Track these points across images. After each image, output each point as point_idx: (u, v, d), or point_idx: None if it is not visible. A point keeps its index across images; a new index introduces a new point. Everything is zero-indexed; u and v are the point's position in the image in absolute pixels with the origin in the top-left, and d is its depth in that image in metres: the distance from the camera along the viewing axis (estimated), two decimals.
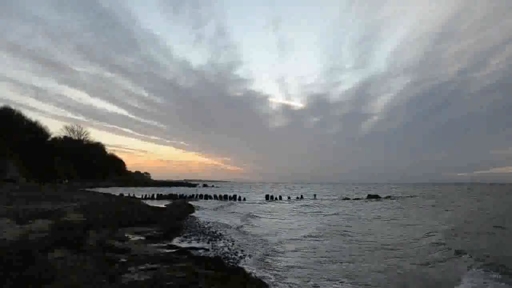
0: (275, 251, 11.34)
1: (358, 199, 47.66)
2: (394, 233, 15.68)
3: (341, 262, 9.87)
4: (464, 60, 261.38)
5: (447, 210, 29.15)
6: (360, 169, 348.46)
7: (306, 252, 11.36)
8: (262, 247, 12.00)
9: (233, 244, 12.05)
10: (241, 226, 17.58)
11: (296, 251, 11.51)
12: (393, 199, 47.87)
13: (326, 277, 8.28)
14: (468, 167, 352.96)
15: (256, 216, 23.23)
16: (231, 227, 17.15)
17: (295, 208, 31.42)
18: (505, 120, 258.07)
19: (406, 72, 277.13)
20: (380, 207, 33.04)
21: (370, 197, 52.04)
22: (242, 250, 11.04)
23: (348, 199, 47.20)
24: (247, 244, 12.31)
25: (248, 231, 15.98)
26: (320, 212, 27.33)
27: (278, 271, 8.74)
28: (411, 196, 54.63)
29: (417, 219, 22.24)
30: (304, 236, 14.61)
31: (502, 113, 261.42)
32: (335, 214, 25.62)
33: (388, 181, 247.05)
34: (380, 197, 50.60)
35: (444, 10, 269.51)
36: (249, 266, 8.98)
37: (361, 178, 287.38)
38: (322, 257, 10.53)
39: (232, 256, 10.02)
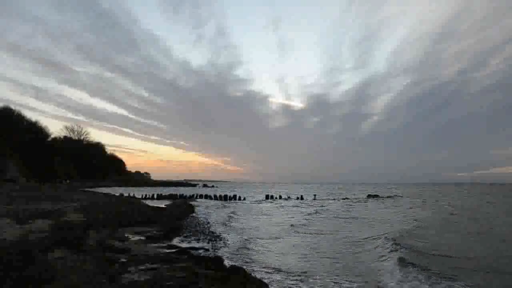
0: (264, 247, 11.56)
1: (357, 199, 47.69)
2: (359, 231, 16.45)
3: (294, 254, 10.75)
4: (464, 60, 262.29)
5: (422, 210, 29.31)
6: (360, 169, 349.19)
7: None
8: (255, 244, 12.22)
9: (233, 243, 12.08)
10: (242, 227, 17.60)
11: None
12: (380, 199, 47.77)
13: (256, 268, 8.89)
14: (468, 167, 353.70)
15: (256, 216, 23.29)
16: (229, 227, 17.20)
17: (294, 208, 31.42)
18: (505, 120, 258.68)
19: (406, 72, 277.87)
20: (372, 207, 33.07)
21: (370, 197, 52.10)
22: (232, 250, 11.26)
23: (348, 199, 47.20)
24: (243, 242, 12.38)
25: (247, 231, 16.01)
26: (314, 212, 27.16)
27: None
28: (399, 196, 55.09)
29: (391, 216, 23.21)
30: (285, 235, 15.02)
31: (502, 113, 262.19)
32: (316, 213, 25.74)
33: (388, 181, 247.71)
34: (380, 197, 50.65)
35: (444, 10, 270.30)
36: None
37: (361, 178, 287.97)
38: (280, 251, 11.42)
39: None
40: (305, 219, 21.57)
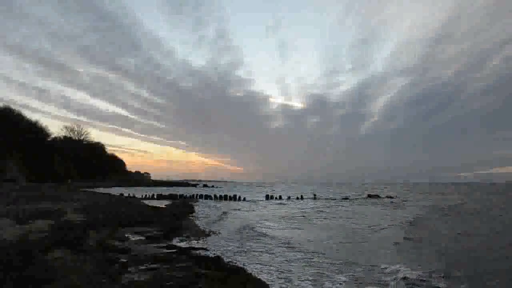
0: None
1: (357, 199, 47.72)
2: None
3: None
4: (462, 61, 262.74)
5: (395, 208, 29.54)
6: (360, 169, 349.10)
7: None
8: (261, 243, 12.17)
9: (232, 243, 12.07)
10: (241, 227, 17.60)
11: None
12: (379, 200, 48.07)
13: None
14: (468, 167, 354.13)
15: (255, 215, 23.27)
16: (229, 226, 17.20)
17: (293, 208, 31.43)
18: (505, 120, 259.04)
19: (405, 73, 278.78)
20: (363, 208, 33.26)
21: (370, 197, 52.15)
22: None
23: (348, 198, 47.23)
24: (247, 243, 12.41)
25: (246, 230, 16.03)
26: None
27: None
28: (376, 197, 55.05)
29: None
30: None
31: (502, 114, 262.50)
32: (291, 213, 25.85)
33: (387, 181, 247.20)
34: (381, 197, 50.77)
35: (442, 12, 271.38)
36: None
37: (361, 178, 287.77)
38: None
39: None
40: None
